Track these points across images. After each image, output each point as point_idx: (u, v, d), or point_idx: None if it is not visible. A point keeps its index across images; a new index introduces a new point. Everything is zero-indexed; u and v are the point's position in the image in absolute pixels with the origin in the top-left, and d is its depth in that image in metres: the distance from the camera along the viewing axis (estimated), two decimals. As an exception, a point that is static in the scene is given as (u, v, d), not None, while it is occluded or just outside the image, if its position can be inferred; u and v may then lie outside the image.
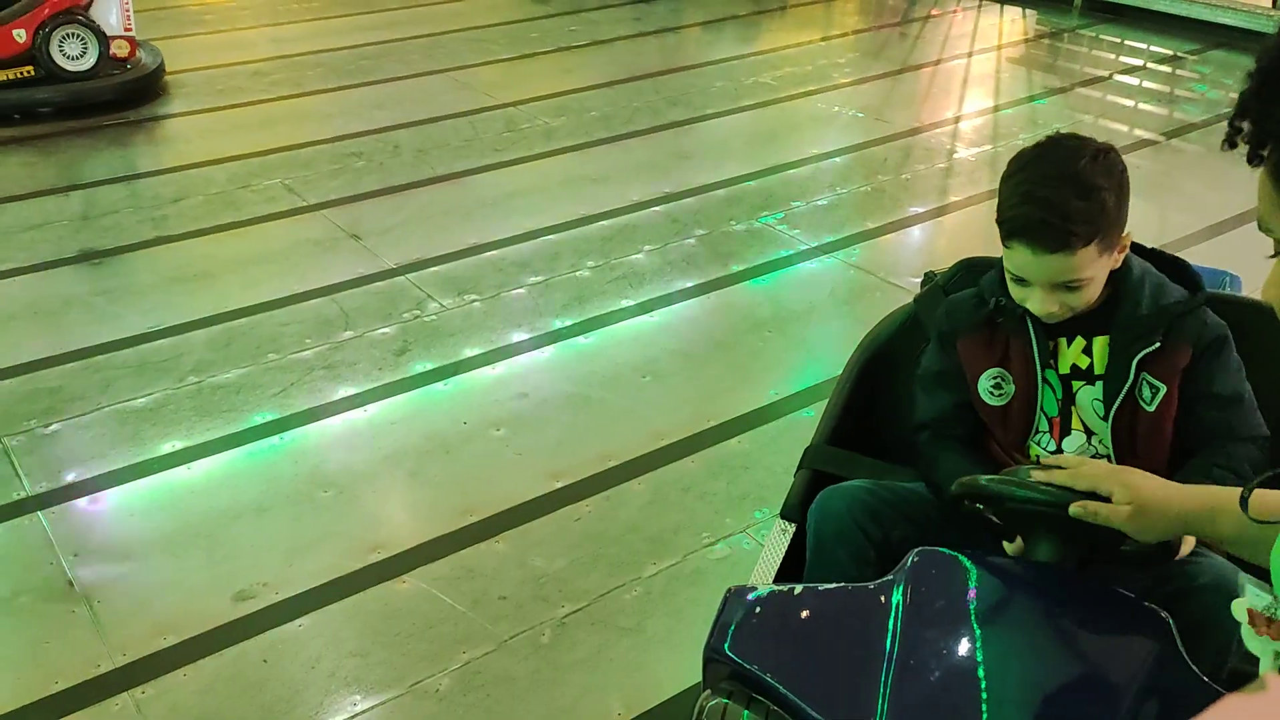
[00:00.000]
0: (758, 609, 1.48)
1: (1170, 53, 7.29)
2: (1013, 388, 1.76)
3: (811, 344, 3.75)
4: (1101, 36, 7.80)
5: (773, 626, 1.46)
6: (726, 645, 1.43)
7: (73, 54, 5.59)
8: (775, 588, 1.53)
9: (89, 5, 5.64)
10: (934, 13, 8.28)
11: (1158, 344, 1.67)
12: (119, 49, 5.73)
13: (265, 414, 3.26)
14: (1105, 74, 6.89)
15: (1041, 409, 1.74)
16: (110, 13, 5.70)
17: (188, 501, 2.92)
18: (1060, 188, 1.59)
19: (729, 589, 1.52)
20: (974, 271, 1.99)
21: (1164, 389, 1.68)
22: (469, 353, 3.61)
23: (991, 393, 1.77)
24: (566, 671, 2.40)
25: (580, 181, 5.03)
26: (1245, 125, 0.85)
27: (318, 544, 2.76)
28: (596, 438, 3.19)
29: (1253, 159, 0.85)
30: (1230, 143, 0.88)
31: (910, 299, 2.08)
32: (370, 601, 2.58)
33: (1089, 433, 1.74)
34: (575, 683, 2.37)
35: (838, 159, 5.35)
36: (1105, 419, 1.71)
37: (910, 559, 1.46)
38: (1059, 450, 1.75)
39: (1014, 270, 1.68)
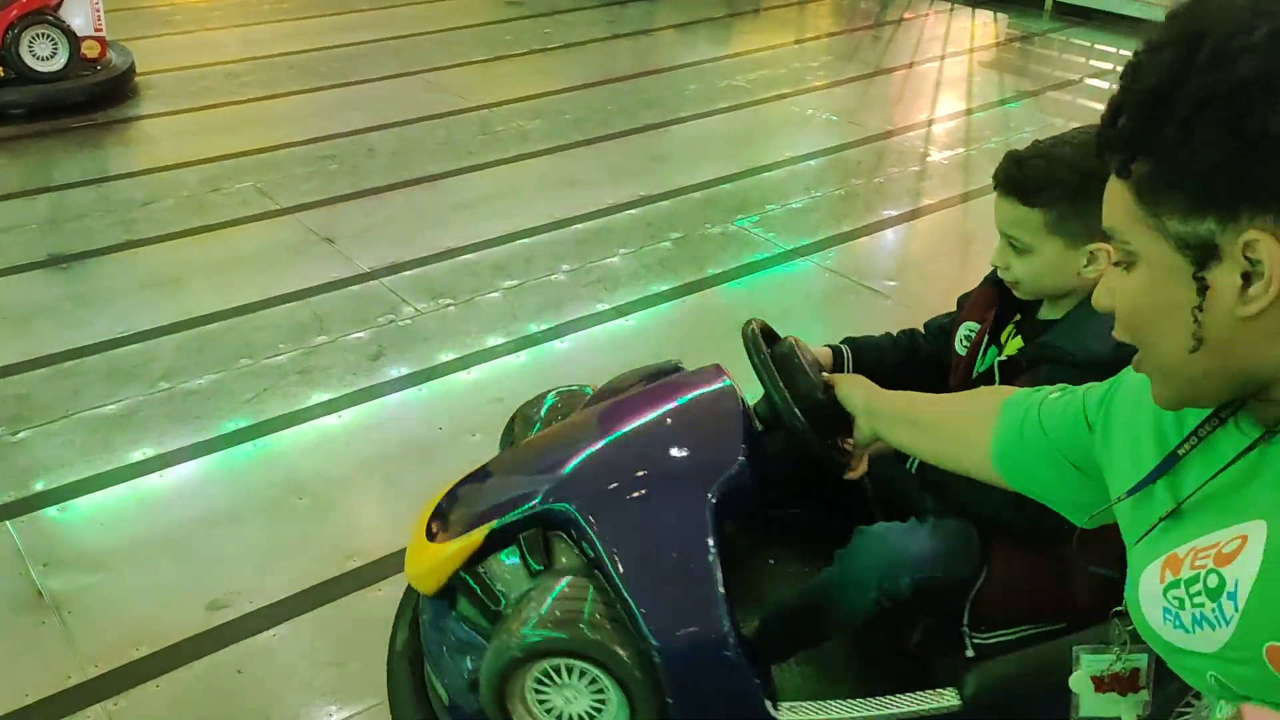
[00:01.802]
0: None
1: (1139, 56, 7.36)
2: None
3: (786, 347, 3.76)
4: (1072, 40, 7.87)
5: None
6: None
7: (43, 55, 5.53)
8: None
9: (59, 5, 5.58)
10: (906, 16, 8.33)
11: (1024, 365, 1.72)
12: (89, 50, 5.68)
13: (238, 420, 3.24)
14: (1076, 77, 6.95)
15: (978, 373, 1.85)
16: (80, 13, 5.64)
17: (159, 509, 2.89)
18: (1042, 151, 1.69)
19: None
20: None
21: None
22: (444, 357, 3.60)
23: (962, 341, 1.89)
24: (543, 678, 2.39)
25: (555, 184, 5.02)
26: (1122, 122, 0.82)
27: (292, 552, 2.74)
28: (572, 443, 3.19)
29: (1122, 172, 0.83)
30: (1107, 148, 0.85)
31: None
32: (345, 610, 2.57)
33: None
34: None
35: (812, 162, 5.37)
36: None
37: None
38: None
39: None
